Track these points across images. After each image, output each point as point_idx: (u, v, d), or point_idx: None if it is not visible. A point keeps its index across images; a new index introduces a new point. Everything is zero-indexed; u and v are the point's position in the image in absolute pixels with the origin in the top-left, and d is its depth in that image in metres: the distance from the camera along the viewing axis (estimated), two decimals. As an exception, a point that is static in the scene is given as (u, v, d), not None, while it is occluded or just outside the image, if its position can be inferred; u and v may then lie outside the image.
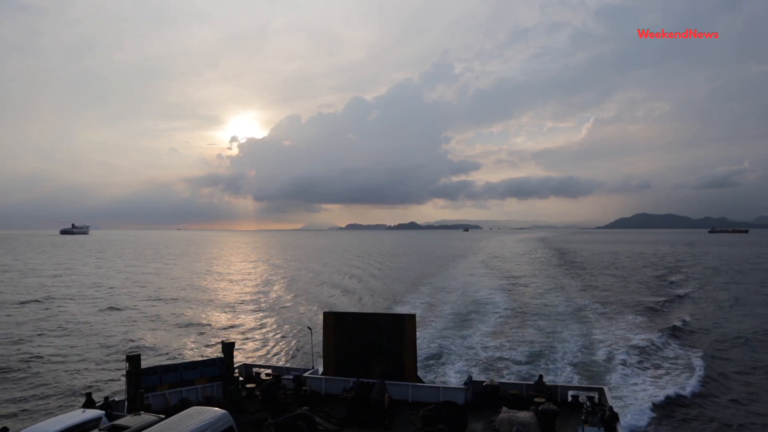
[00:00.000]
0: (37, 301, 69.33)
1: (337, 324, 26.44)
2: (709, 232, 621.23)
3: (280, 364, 35.83)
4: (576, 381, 33.98)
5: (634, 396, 31.27)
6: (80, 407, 19.73)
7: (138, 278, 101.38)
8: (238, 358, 33.61)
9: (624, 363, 38.24)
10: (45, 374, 36.23)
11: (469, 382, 24.04)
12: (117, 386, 33.00)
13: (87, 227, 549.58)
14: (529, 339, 45.90)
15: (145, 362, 25.20)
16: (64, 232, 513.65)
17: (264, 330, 52.47)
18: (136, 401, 20.72)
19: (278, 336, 49.51)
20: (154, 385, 22.52)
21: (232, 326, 54.25)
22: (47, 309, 63.06)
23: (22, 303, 67.26)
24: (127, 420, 16.47)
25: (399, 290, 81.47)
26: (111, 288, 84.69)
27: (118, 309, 63.71)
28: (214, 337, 48.64)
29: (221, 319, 58.54)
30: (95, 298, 72.46)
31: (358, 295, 76.59)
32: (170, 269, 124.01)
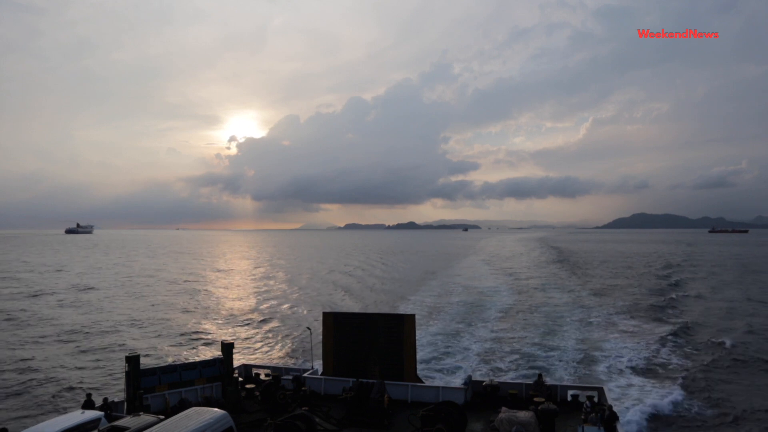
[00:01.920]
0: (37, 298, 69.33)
1: (336, 324, 26.42)
2: (709, 231, 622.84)
3: (280, 364, 35.77)
4: (576, 380, 34.01)
5: (634, 395, 31.31)
6: (79, 408, 19.73)
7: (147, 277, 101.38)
8: (237, 358, 33.56)
9: (624, 362, 38.29)
10: (44, 375, 36.19)
11: (469, 382, 24.04)
12: (116, 387, 32.97)
13: (91, 227, 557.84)
14: (528, 338, 45.93)
15: (145, 363, 25.22)
16: (69, 231, 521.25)
17: (263, 330, 52.44)
18: (135, 402, 20.71)
19: (277, 336, 49.49)
20: (153, 385, 22.49)
21: (231, 326, 54.22)
22: (49, 309, 63.05)
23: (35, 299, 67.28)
24: (126, 421, 16.47)
25: (402, 289, 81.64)
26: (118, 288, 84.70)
27: (117, 310, 63.67)
28: (214, 337, 48.62)
29: (220, 319, 58.50)
30: (94, 299, 72.43)
31: (358, 295, 76.63)
32: (173, 267, 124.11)
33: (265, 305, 68.34)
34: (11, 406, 30.25)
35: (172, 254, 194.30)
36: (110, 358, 40.76)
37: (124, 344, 45.23)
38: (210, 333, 50.96)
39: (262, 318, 59.08)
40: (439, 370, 36.85)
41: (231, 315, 61.14)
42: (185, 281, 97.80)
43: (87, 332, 50.30)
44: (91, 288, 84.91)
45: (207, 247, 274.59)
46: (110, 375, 36.45)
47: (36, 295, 75.22)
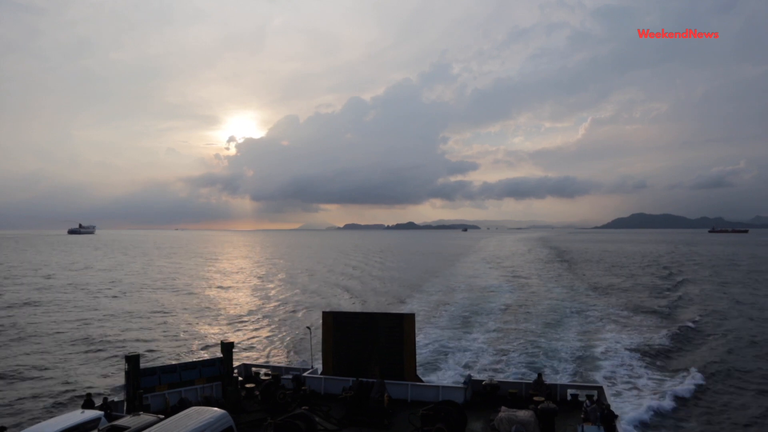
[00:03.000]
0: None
1: (336, 323, 26.41)
2: (709, 231, 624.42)
3: (279, 363, 35.80)
4: (575, 379, 34.02)
5: (634, 394, 31.34)
6: (79, 408, 19.71)
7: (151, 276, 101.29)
8: (237, 358, 33.59)
9: (623, 361, 38.32)
10: (44, 374, 36.15)
11: (469, 381, 24.03)
12: (116, 387, 32.94)
13: (93, 227, 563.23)
14: (528, 337, 45.94)
15: (144, 363, 25.21)
16: (72, 231, 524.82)
17: (263, 330, 52.42)
18: (135, 402, 20.69)
19: (277, 336, 49.48)
20: (153, 385, 22.47)
21: (231, 326, 54.20)
22: (59, 307, 62.98)
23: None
24: (126, 420, 16.46)
25: (403, 288, 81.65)
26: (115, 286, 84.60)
27: (119, 309, 63.62)
28: (213, 337, 48.60)
29: (220, 318, 58.46)
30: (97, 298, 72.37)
31: (358, 294, 76.64)
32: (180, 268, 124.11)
33: (265, 304, 68.33)
34: (10, 404, 30.21)
35: (180, 255, 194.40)
36: (111, 358, 40.74)
37: (124, 344, 45.20)
38: (209, 332, 50.92)
39: (261, 317, 59.08)
40: (439, 369, 36.87)
41: (231, 314, 61.10)
42: (194, 280, 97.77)
43: (87, 331, 50.27)
44: (108, 288, 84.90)
45: (211, 247, 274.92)
46: (110, 374, 36.42)
47: (49, 295, 75.21)
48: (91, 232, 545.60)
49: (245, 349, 44.10)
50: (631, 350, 41.41)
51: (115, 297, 74.67)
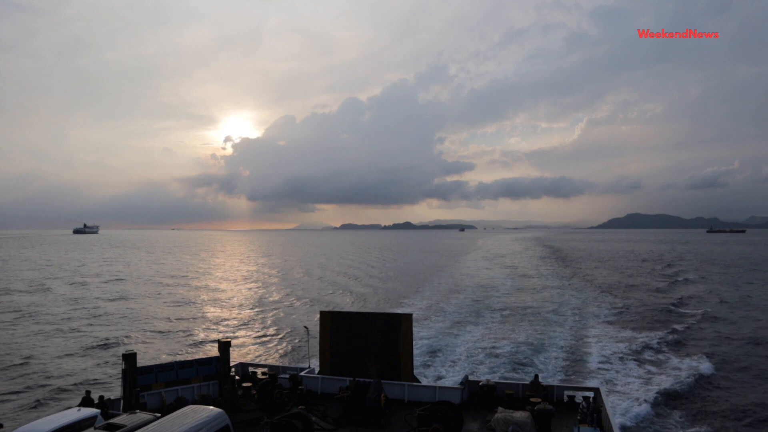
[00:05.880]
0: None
1: (333, 323, 26.38)
2: (707, 231, 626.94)
3: (276, 363, 35.78)
4: (572, 381, 34.10)
5: (631, 396, 31.45)
6: (76, 406, 19.64)
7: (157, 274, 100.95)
8: (234, 357, 33.57)
9: (620, 362, 38.45)
10: (42, 372, 36.02)
11: (465, 382, 24.02)
12: (113, 385, 32.87)
13: (97, 227, 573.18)
14: (525, 338, 46.04)
15: (141, 361, 25.16)
16: (77, 231, 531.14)
17: (260, 329, 52.37)
18: (131, 400, 20.63)
19: (274, 335, 49.43)
20: (150, 383, 22.42)
21: (228, 325, 54.12)
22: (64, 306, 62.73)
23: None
24: (122, 419, 16.41)
25: (405, 287, 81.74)
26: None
27: (115, 306, 63.44)
28: (211, 335, 48.52)
29: (217, 317, 58.37)
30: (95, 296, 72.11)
31: (357, 294, 76.62)
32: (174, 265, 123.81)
33: (262, 303, 68.28)
34: (7, 401, 30.10)
35: (189, 254, 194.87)
36: (108, 356, 40.63)
37: (122, 341, 45.11)
38: (206, 331, 50.85)
39: (259, 316, 59.02)
40: (436, 370, 36.89)
41: (228, 313, 61.04)
42: (194, 279, 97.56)
43: (87, 330, 50.13)
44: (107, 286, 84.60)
45: (211, 246, 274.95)
46: (107, 372, 36.32)
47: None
48: (95, 232, 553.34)
49: (242, 348, 44.06)
50: (628, 350, 41.51)
51: (120, 294, 74.48)
